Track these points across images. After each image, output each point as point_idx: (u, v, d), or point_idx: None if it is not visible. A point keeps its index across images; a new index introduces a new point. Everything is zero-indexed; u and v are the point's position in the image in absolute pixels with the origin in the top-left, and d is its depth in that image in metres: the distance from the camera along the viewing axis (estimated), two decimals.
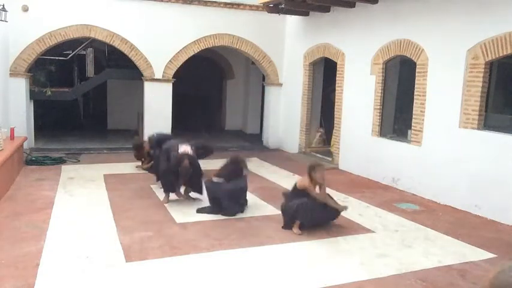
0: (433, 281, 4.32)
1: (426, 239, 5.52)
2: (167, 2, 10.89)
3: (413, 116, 7.73)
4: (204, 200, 6.60)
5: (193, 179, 6.67)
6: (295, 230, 5.54)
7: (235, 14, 11.43)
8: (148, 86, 11.04)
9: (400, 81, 8.61)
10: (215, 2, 11.21)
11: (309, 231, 5.59)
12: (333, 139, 10.24)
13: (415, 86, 7.67)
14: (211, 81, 15.66)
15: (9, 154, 7.11)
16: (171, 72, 11.16)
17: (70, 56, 12.46)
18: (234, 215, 6.15)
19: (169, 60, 11.09)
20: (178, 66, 11.20)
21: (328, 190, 7.85)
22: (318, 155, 10.91)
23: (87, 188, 7.40)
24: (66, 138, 12.27)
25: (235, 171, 6.54)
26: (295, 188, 5.74)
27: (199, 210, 6.27)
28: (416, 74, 7.64)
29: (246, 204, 6.55)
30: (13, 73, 10.02)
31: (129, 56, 10.84)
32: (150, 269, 4.37)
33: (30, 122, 10.56)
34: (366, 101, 8.83)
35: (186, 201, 6.78)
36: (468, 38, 6.65)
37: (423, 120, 7.52)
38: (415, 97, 7.69)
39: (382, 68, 8.48)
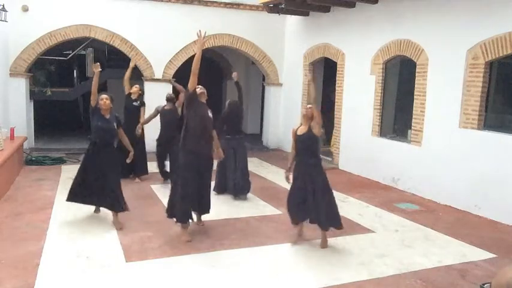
0: (433, 281, 4.32)
1: (426, 239, 5.52)
2: (167, 2, 10.89)
3: (413, 116, 7.73)
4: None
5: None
6: (299, 232, 5.28)
7: (235, 14, 11.43)
8: (148, 86, 11.04)
9: (400, 81, 8.60)
10: (215, 2, 11.21)
11: (309, 231, 5.59)
12: (333, 139, 10.24)
13: (415, 86, 7.67)
14: (211, 81, 15.65)
15: (9, 154, 7.11)
16: (171, 72, 11.16)
17: (70, 56, 12.46)
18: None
19: (169, 60, 11.10)
20: (178, 66, 11.20)
21: None
22: None
23: None
24: (66, 138, 12.27)
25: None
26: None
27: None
28: (416, 74, 7.64)
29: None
30: (13, 73, 10.02)
31: (129, 56, 10.83)
32: (150, 269, 4.37)
33: (30, 122, 10.56)
34: (366, 101, 8.83)
35: None
36: (468, 38, 6.65)
37: (423, 120, 7.52)
38: (415, 97, 7.69)
39: (382, 68, 8.48)
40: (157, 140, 7.87)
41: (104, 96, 5.70)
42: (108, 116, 5.65)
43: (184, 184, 5.02)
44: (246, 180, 7.07)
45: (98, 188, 5.51)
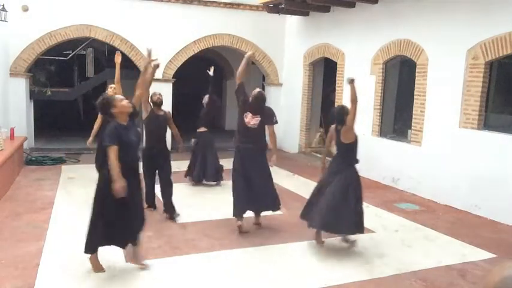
0: (433, 281, 4.32)
1: (426, 239, 5.52)
2: (167, 2, 10.89)
3: (413, 116, 7.73)
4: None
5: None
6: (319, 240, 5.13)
7: (235, 14, 11.43)
8: None
9: (400, 81, 8.60)
10: (215, 2, 11.21)
11: (309, 232, 5.60)
12: None
13: (415, 86, 7.67)
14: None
15: (9, 154, 7.11)
16: (171, 72, 11.16)
17: (70, 56, 12.47)
18: None
19: (169, 60, 11.09)
20: (178, 66, 11.20)
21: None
22: (318, 155, 10.90)
23: (87, 188, 7.34)
24: (66, 138, 12.27)
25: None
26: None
27: None
28: (416, 74, 7.64)
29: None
30: (13, 73, 10.02)
31: (129, 56, 10.83)
32: (150, 269, 4.37)
33: (30, 122, 10.56)
34: (366, 101, 8.82)
35: (186, 200, 6.77)
36: (468, 38, 6.65)
37: (423, 120, 7.52)
38: (415, 97, 7.69)
39: (382, 68, 8.48)
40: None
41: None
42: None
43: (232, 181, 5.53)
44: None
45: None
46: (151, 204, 6.13)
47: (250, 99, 5.47)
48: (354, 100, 4.76)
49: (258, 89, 5.59)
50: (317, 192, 5.08)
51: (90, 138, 6.75)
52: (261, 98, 5.48)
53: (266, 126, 5.54)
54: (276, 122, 5.63)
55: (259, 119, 5.43)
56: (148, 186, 6.02)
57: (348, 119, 4.79)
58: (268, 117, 5.51)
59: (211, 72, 7.84)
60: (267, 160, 5.62)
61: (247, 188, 5.37)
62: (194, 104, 15.27)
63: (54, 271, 4.24)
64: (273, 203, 5.59)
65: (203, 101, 7.96)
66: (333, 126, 5.05)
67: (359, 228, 4.93)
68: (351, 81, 4.77)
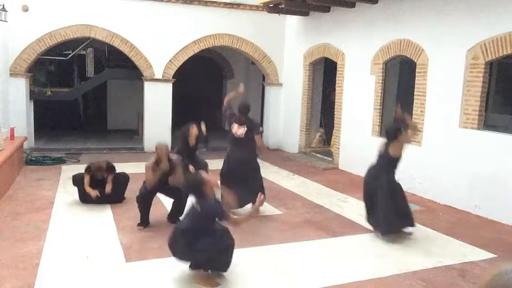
0: (433, 281, 4.32)
1: (426, 239, 5.52)
2: (167, 2, 10.89)
3: (413, 116, 7.72)
4: None
5: None
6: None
7: (235, 14, 11.43)
8: (148, 86, 11.05)
9: (400, 81, 8.60)
10: (215, 2, 11.21)
11: (309, 231, 5.60)
12: (333, 139, 10.24)
13: (415, 86, 7.67)
14: (211, 81, 15.66)
15: (9, 154, 7.11)
16: (171, 72, 11.16)
17: (70, 56, 12.47)
18: None
19: (169, 60, 11.10)
20: (178, 66, 11.20)
21: (328, 190, 7.88)
22: (318, 155, 10.92)
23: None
24: (66, 138, 12.27)
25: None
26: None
27: None
28: (416, 74, 7.64)
29: None
30: (13, 73, 10.02)
31: (129, 56, 10.84)
32: (150, 269, 4.37)
33: (30, 122, 10.56)
34: (366, 101, 8.83)
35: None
36: (468, 38, 6.65)
37: (423, 120, 7.52)
38: (415, 97, 7.69)
39: (382, 68, 8.48)
40: None
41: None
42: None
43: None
44: None
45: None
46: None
47: (237, 110, 6.16)
48: (415, 128, 5.86)
49: (241, 101, 6.32)
50: (368, 199, 5.60)
51: (94, 193, 6.33)
52: (242, 109, 6.08)
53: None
54: (261, 132, 6.29)
55: (246, 129, 5.99)
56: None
57: (403, 137, 5.34)
58: (254, 127, 6.11)
59: (203, 129, 7.08)
60: (257, 167, 6.28)
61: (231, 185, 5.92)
62: (194, 104, 15.42)
63: (54, 271, 4.25)
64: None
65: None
66: (383, 139, 5.56)
67: (408, 223, 5.48)
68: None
